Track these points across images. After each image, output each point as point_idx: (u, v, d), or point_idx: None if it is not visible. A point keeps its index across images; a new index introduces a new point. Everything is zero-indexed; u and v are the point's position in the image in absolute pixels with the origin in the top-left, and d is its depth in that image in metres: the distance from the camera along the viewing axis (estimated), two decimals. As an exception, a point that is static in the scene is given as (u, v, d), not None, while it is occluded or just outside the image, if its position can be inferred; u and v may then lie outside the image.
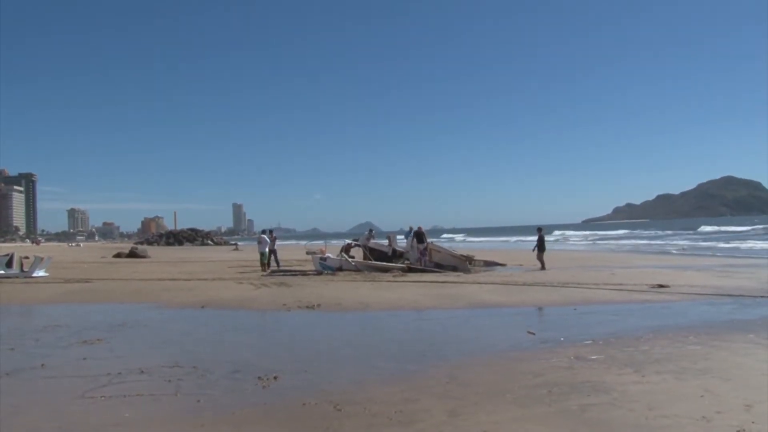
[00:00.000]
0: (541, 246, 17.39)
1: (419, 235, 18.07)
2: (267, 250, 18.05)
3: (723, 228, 63.55)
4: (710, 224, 78.17)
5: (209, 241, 75.75)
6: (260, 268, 17.80)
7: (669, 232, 60.28)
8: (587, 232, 69.75)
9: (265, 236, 18.49)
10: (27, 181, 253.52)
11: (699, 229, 62.68)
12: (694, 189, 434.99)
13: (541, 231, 17.75)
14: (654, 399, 4.17)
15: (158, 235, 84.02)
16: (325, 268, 16.43)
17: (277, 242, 19.93)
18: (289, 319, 8.56)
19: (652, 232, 61.86)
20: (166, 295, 11.46)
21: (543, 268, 16.78)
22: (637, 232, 64.66)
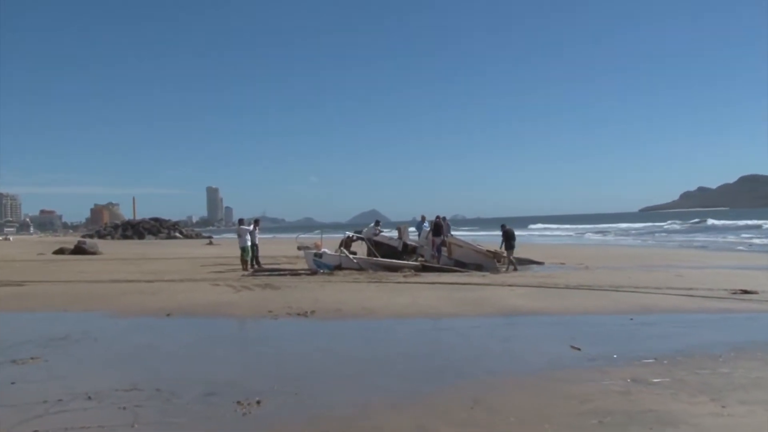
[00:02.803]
0: (508, 243, 17.43)
1: (437, 227, 18.06)
2: (249, 243, 18.11)
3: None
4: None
5: (177, 234, 75.89)
6: (241, 267, 17.88)
7: (754, 222, 59.87)
8: (628, 225, 70.14)
9: (245, 227, 18.54)
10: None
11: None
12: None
13: (504, 227, 17.73)
14: (737, 436, 4.13)
15: (112, 227, 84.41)
16: (321, 266, 16.53)
17: (260, 235, 20.01)
18: (277, 328, 8.59)
19: (731, 222, 61.57)
20: (122, 300, 11.55)
21: (515, 269, 16.94)
22: (708, 222, 64.39)
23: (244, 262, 17.86)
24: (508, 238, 17.48)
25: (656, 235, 49.80)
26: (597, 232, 58.08)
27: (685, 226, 61.63)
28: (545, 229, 72.85)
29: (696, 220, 69.55)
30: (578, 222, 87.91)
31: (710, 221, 64.79)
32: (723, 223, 62.60)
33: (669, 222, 69.06)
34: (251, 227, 18.55)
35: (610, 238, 49.22)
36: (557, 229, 70.75)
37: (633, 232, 57.68)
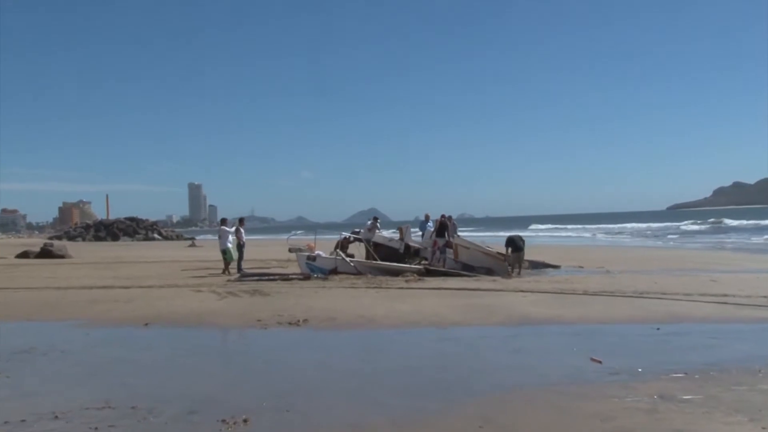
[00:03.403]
0: (514, 246, 17.39)
1: (441, 227, 18.09)
2: (231, 246, 18.12)
3: None
4: None
5: (156, 235, 76.04)
6: (224, 271, 17.92)
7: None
8: (638, 225, 70.78)
9: (226, 228, 18.55)
10: None
11: None
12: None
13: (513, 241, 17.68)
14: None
15: (83, 227, 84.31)
16: (315, 270, 16.56)
17: (245, 236, 20.00)
18: (266, 339, 8.60)
19: (752, 223, 61.84)
20: (94, 308, 11.55)
21: (517, 273, 16.92)
22: (724, 223, 64.60)
23: (226, 264, 17.94)
24: (513, 245, 17.41)
25: (670, 236, 49.98)
26: (609, 233, 58.46)
27: (705, 226, 61.97)
28: (553, 229, 74.30)
29: (711, 219, 69.91)
30: (592, 222, 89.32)
31: (726, 221, 65.22)
32: (740, 223, 62.92)
33: (687, 222, 69.54)
34: (233, 228, 18.59)
35: (625, 238, 49.37)
36: (563, 229, 71.90)
37: (648, 232, 58.48)
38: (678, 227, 62.09)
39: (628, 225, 72.07)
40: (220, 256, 18.97)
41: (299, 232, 26.23)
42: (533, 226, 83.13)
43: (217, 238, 18.78)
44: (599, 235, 56.58)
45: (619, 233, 58.30)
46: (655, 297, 11.68)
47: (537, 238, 49.71)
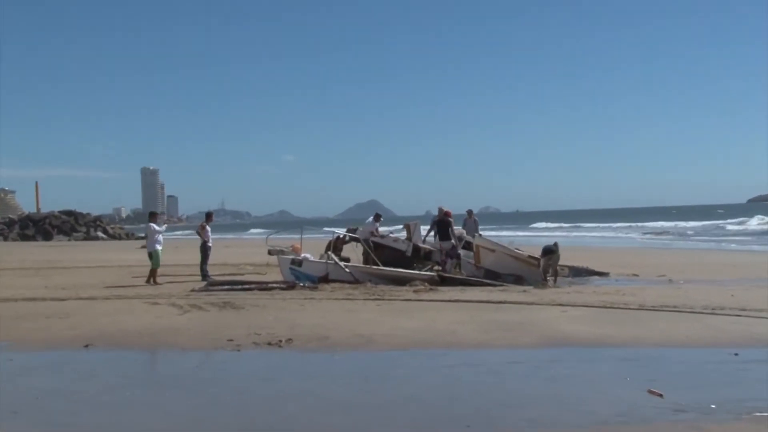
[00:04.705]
0: (547, 250, 17.57)
1: (442, 226, 18.10)
2: (160, 248, 18.22)
3: None
4: None
5: (100, 233, 76.15)
6: (149, 280, 18.01)
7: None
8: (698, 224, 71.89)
9: (155, 225, 18.58)
10: None
11: None
12: None
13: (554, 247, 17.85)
14: None
15: (5, 223, 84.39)
16: (301, 277, 16.62)
17: (213, 235, 20.00)
18: (239, 364, 8.61)
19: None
20: (20, 327, 11.48)
21: (553, 281, 17.11)
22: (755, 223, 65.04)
23: (152, 272, 18.10)
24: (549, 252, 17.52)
25: (744, 236, 50.08)
26: (667, 233, 58.79)
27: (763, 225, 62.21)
28: (574, 227, 78.26)
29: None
30: (645, 217, 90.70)
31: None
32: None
33: (739, 220, 70.07)
34: (164, 227, 18.64)
35: (695, 238, 49.46)
36: (607, 227, 73.97)
37: (689, 231, 59.74)
38: (724, 228, 62.70)
39: (695, 223, 72.35)
40: (182, 260, 19.00)
41: (276, 232, 26.16)
42: (536, 224, 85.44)
43: (152, 238, 18.48)
44: (654, 235, 56.92)
45: (685, 233, 58.32)
46: (732, 314, 11.63)
47: (578, 238, 49.75)
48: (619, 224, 77.66)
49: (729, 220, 72.74)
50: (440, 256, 18.26)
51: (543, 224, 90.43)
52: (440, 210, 20.61)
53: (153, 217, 19.56)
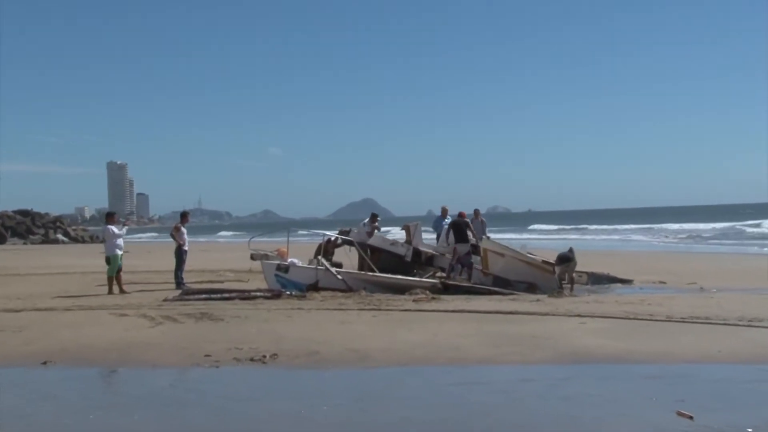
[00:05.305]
0: (563, 257, 17.75)
1: (459, 228, 18.08)
2: (119, 252, 18.14)
3: None
4: None
5: (61, 236, 76.10)
6: (110, 290, 17.91)
7: None
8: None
9: (113, 227, 18.46)
10: None
11: None
12: None
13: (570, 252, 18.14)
14: None
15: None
16: (287, 285, 16.63)
17: (189, 238, 19.96)
18: (218, 383, 8.58)
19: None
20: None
21: (570, 289, 17.29)
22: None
23: (110, 279, 18.04)
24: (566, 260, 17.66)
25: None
26: (696, 235, 59.00)
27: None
28: (575, 229, 79.15)
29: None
30: (667, 218, 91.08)
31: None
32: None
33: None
34: (124, 230, 18.58)
35: (689, 242, 50.10)
36: (626, 229, 74.03)
37: (705, 234, 59.88)
38: (743, 230, 62.73)
39: (721, 224, 72.56)
40: (154, 266, 18.98)
41: (257, 235, 26.11)
42: (534, 226, 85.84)
43: (111, 242, 18.35)
44: (678, 237, 57.43)
45: (711, 235, 58.47)
46: (769, 326, 11.65)
47: (594, 242, 49.95)
48: (639, 226, 77.77)
49: (760, 221, 73.08)
50: (455, 260, 18.21)
51: (542, 226, 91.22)
52: (444, 209, 20.62)
53: (110, 218, 19.41)
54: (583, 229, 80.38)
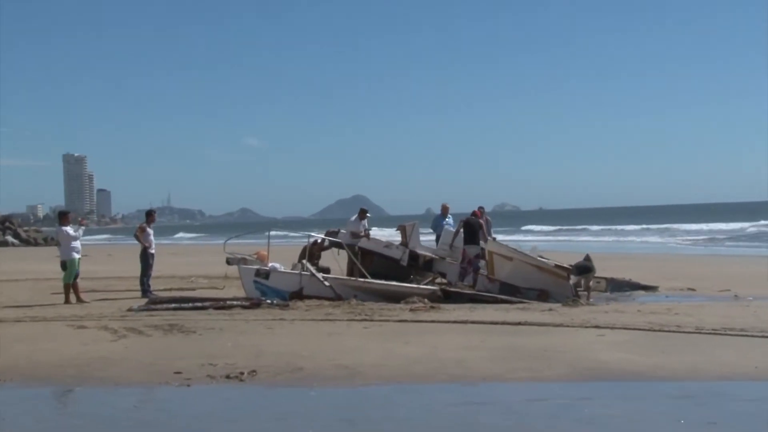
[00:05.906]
0: (582, 267, 17.91)
1: (471, 228, 18.07)
2: (76, 256, 18.06)
3: None
4: None
5: (11, 238, 76.28)
6: (67, 299, 17.87)
7: None
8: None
9: (68, 228, 18.36)
10: None
11: None
12: None
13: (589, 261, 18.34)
14: None
15: None
16: (268, 292, 16.69)
17: (155, 239, 19.93)
18: (189, 403, 8.60)
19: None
20: None
21: (586, 297, 17.39)
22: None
23: (66, 287, 17.97)
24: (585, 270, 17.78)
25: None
26: (729, 236, 59.48)
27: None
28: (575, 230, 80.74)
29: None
30: (693, 217, 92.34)
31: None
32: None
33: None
34: (80, 230, 18.61)
35: (715, 245, 50.55)
36: (646, 230, 75.29)
37: (724, 234, 61.13)
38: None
39: (747, 224, 73.40)
40: (116, 271, 18.93)
41: (235, 238, 26.13)
42: (529, 226, 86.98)
43: (66, 244, 18.28)
44: (703, 239, 58.22)
45: (741, 236, 58.93)
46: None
47: (608, 244, 50.22)
48: (654, 226, 79.04)
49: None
50: (465, 264, 18.22)
51: (538, 227, 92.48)
52: (444, 207, 20.60)
53: (64, 218, 19.21)
54: (582, 230, 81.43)
